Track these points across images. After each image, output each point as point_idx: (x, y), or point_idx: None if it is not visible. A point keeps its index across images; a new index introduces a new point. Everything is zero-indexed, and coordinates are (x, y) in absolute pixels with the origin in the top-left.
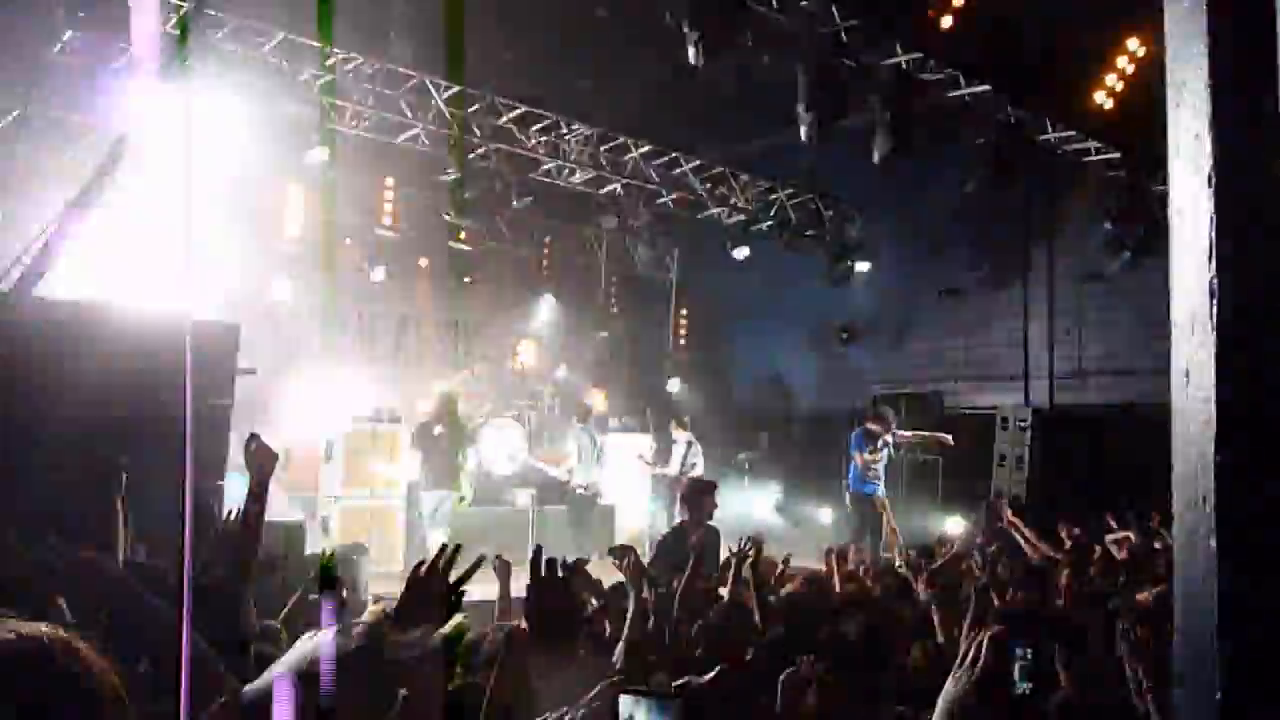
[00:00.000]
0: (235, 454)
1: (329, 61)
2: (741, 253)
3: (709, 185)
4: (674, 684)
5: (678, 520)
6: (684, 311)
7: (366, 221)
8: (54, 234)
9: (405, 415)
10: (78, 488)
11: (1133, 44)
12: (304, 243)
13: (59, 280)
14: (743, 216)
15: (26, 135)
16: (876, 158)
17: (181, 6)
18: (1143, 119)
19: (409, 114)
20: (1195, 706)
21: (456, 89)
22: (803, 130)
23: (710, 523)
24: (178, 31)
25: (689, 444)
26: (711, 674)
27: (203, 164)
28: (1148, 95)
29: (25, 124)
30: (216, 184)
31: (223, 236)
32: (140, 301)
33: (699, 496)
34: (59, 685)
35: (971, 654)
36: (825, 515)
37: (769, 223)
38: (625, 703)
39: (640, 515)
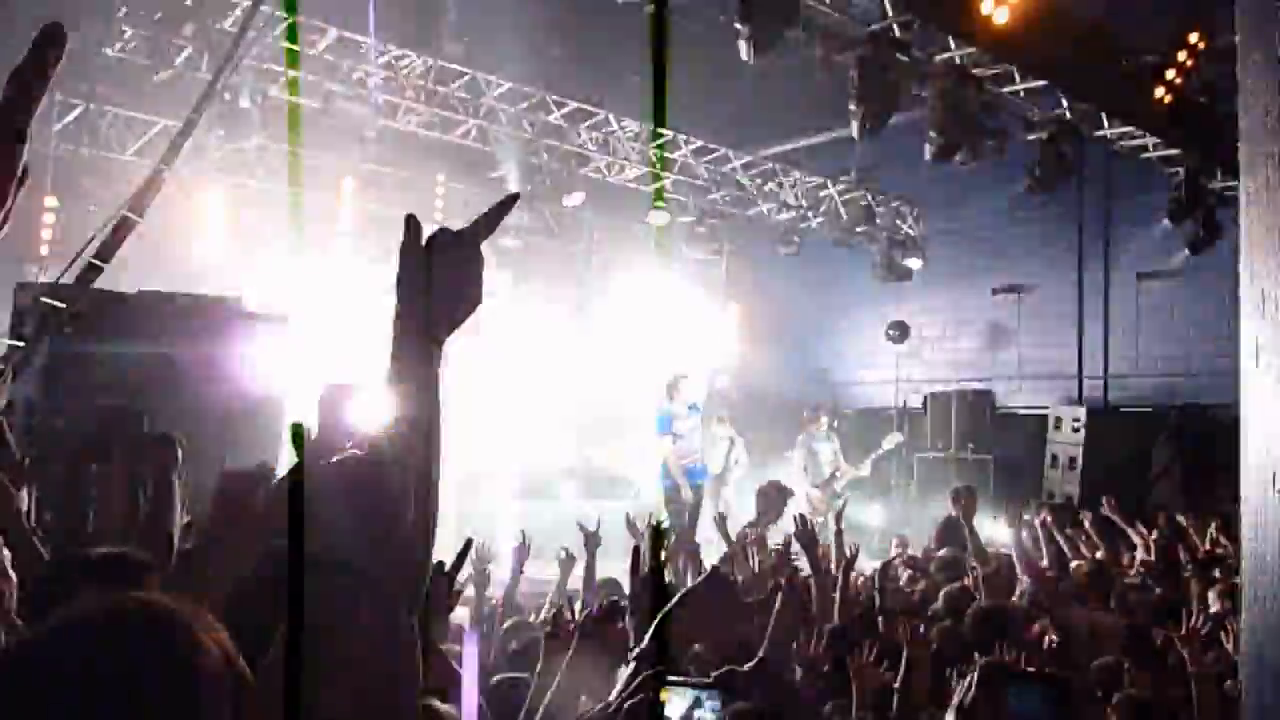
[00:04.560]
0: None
1: (382, 59)
2: (791, 249)
3: (759, 181)
4: (714, 673)
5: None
6: (733, 308)
7: (420, 217)
8: (114, 228)
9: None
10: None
11: (1193, 38)
12: (358, 237)
13: (117, 273)
14: (793, 213)
15: (89, 132)
16: (929, 154)
17: (239, 4)
18: (1203, 115)
19: (460, 110)
20: (1261, 689)
21: (507, 85)
22: (854, 126)
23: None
24: (236, 29)
25: (731, 440)
26: (753, 662)
27: (259, 159)
28: (1208, 90)
29: (87, 121)
30: (273, 179)
31: (277, 230)
32: (196, 293)
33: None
34: (180, 656)
35: (967, 700)
36: (875, 514)
37: (819, 219)
38: (673, 693)
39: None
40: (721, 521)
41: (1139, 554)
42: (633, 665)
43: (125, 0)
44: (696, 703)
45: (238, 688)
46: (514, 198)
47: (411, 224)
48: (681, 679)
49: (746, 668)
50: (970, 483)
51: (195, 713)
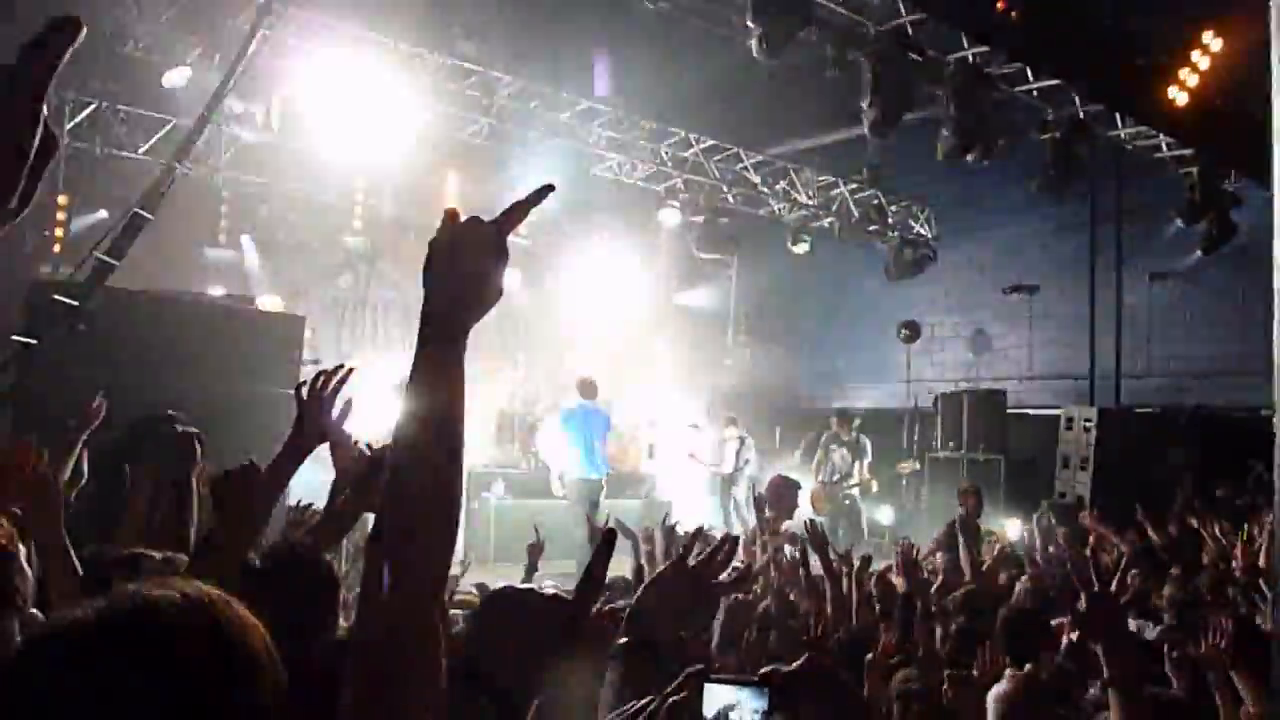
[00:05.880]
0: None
1: (393, 57)
2: (802, 248)
3: (770, 180)
4: (761, 671)
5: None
6: (743, 307)
7: (429, 216)
8: (125, 226)
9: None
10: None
11: (1207, 37)
12: (368, 236)
13: (129, 272)
14: (804, 212)
15: (101, 131)
16: (941, 153)
17: (250, 2)
18: (1216, 114)
19: (472, 109)
20: None
21: (520, 84)
22: (866, 125)
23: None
24: (247, 28)
25: (741, 440)
26: (800, 660)
27: (272, 158)
28: (1222, 90)
29: (99, 120)
30: (284, 178)
31: (289, 230)
32: (207, 291)
33: (784, 493)
34: (220, 643)
35: None
36: (886, 514)
37: (830, 218)
38: (715, 691)
39: (703, 512)
40: (760, 505)
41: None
42: (622, 661)
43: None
44: (737, 701)
45: (280, 678)
46: (547, 189)
47: (449, 217)
48: (727, 677)
49: (793, 666)
50: (981, 483)
51: (248, 698)
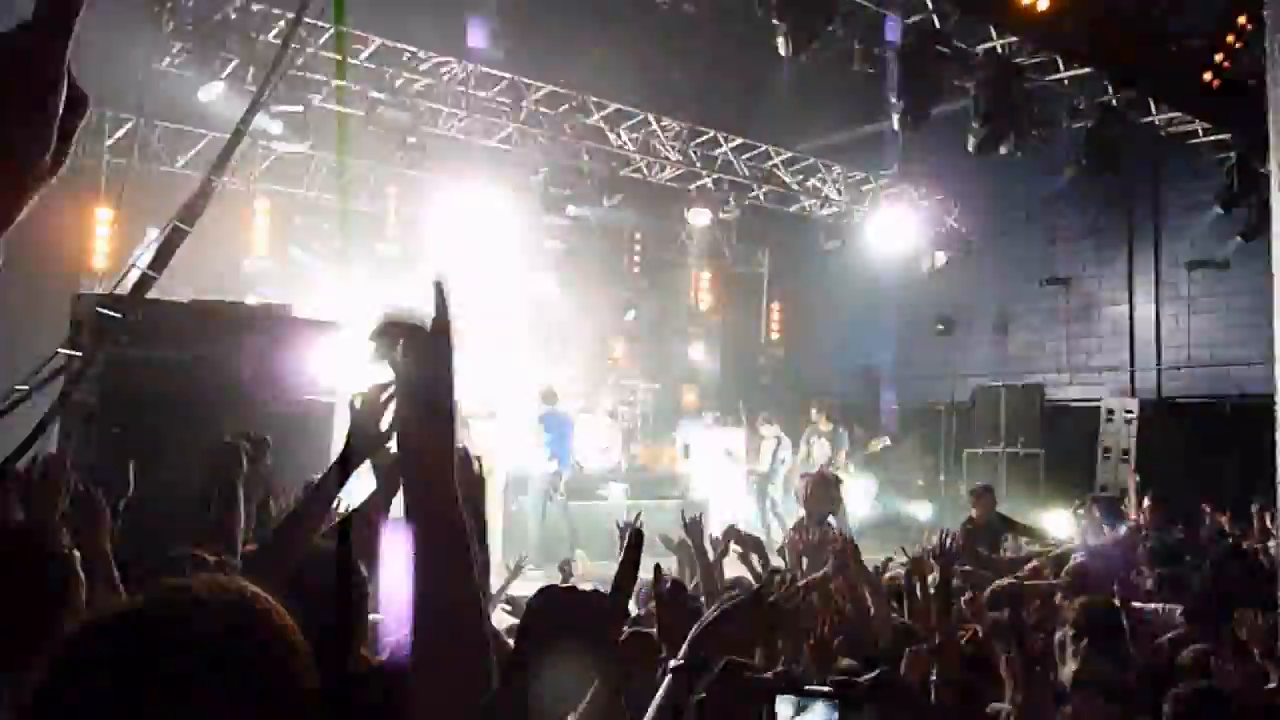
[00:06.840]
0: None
1: (423, 66)
2: (834, 244)
3: (800, 177)
4: (832, 681)
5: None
6: (776, 305)
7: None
8: (165, 238)
9: (500, 411)
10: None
11: (1241, 20)
12: (402, 243)
13: (169, 283)
14: (835, 208)
15: (139, 146)
16: (972, 145)
17: (282, 16)
18: (1252, 97)
19: (500, 115)
20: None
21: (547, 89)
22: (895, 119)
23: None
24: (279, 41)
25: (778, 439)
26: (872, 674)
27: (305, 168)
28: (1257, 73)
29: (137, 135)
30: (319, 187)
31: (322, 238)
32: (246, 301)
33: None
34: (262, 637)
35: None
36: (922, 510)
37: (862, 214)
38: (785, 703)
39: (740, 511)
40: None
41: None
42: (671, 676)
43: (172, 16)
44: (806, 711)
45: (315, 676)
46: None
47: (439, 289)
48: (797, 687)
49: (866, 678)
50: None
51: (287, 692)
